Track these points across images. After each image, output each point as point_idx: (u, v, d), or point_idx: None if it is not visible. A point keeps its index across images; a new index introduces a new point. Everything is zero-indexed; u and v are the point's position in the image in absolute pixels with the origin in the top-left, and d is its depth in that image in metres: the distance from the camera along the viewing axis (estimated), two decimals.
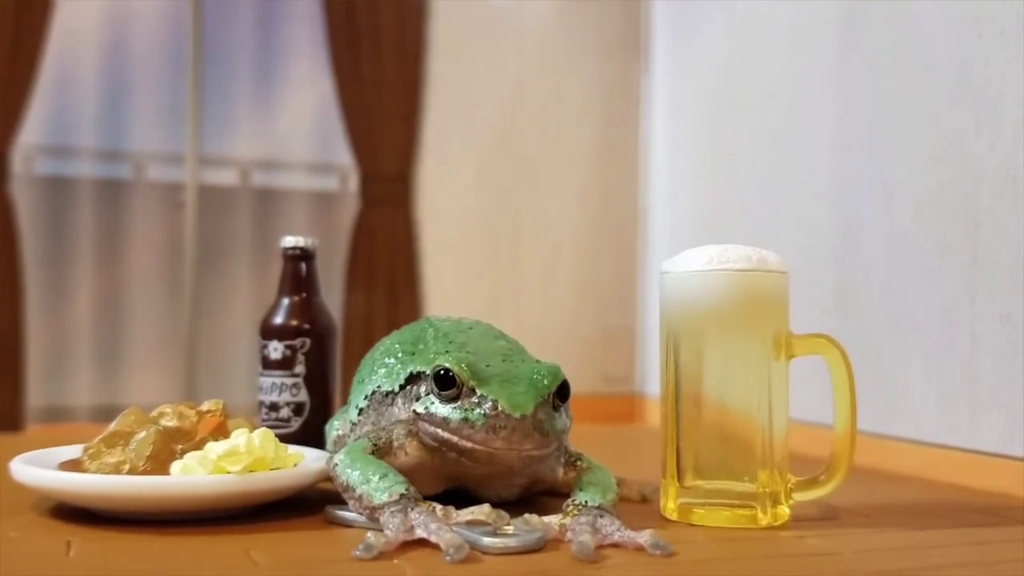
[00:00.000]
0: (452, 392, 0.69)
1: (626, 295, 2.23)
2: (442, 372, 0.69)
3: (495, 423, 0.66)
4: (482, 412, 0.67)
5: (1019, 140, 1.04)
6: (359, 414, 0.81)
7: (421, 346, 0.78)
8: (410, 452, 0.73)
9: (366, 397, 0.81)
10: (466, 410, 0.68)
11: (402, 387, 0.75)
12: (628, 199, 2.22)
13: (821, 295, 1.37)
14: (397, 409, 0.75)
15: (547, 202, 2.21)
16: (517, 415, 0.66)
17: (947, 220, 1.15)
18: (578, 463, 0.75)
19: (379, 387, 0.79)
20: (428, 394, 0.71)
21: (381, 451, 0.73)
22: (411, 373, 0.75)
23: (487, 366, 0.70)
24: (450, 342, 0.77)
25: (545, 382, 0.69)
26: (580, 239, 2.23)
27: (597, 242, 2.23)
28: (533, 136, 2.22)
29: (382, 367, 0.80)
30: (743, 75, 1.71)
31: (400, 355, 0.79)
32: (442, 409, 0.69)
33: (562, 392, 0.71)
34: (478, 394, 0.68)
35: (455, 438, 0.69)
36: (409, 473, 0.71)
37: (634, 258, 2.23)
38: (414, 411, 0.72)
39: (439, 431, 0.70)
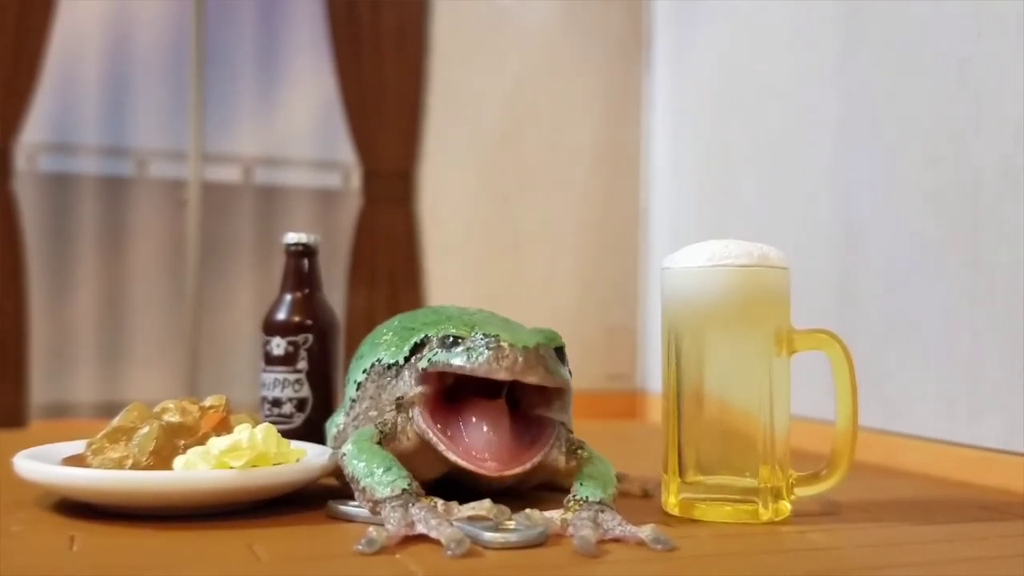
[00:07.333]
0: (456, 342, 0.70)
1: (628, 292, 2.23)
2: (449, 338, 0.70)
3: (498, 353, 0.66)
4: (485, 344, 0.67)
5: (1020, 140, 1.04)
6: (357, 389, 0.81)
7: (424, 327, 0.78)
8: (412, 437, 0.73)
9: (364, 371, 0.81)
10: (469, 349, 0.68)
11: (407, 359, 0.75)
12: (630, 198, 2.23)
13: (822, 294, 1.37)
14: (402, 383, 0.75)
15: (549, 200, 2.21)
16: (520, 346, 0.66)
17: (948, 220, 1.15)
18: (579, 452, 0.75)
19: (380, 359, 0.79)
20: (432, 351, 0.72)
21: (387, 437, 0.73)
22: (415, 343, 0.75)
23: (488, 327, 0.71)
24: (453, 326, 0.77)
25: (545, 335, 0.70)
26: (582, 237, 2.23)
27: (599, 240, 2.23)
28: (535, 135, 2.22)
29: (383, 343, 0.80)
30: (745, 74, 1.71)
31: (404, 333, 0.79)
32: (446, 355, 0.70)
33: (559, 354, 0.71)
34: (480, 334, 0.68)
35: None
36: (413, 455, 0.71)
37: (635, 256, 2.23)
38: (420, 368, 0.72)
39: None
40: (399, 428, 0.73)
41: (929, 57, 1.20)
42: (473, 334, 0.69)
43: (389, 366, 0.77)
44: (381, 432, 0.73)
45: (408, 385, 0.74)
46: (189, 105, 2.16)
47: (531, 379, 0.67)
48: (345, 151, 2.18)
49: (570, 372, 0.73)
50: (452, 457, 0.69)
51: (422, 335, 0.75)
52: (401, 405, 0.74)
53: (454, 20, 2.18)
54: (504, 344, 0.66)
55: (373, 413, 0.78)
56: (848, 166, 1.36)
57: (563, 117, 2.23)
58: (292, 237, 0.98)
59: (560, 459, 0.75)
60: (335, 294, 2.07)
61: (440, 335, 0.71)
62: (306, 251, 0.97)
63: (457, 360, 0.68)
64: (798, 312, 0.78)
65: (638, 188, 2.22)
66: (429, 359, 0.71)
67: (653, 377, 2.09)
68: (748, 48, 1.70)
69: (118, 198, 2.18)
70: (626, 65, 2.24)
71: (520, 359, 0.66)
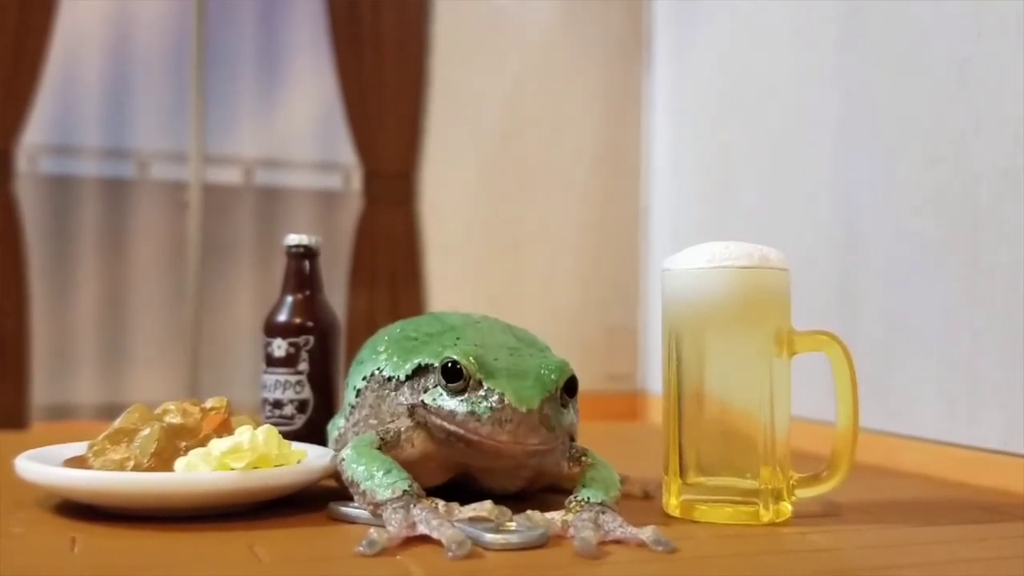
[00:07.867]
0: (459, 385, 0.69)
1: (628, 293, 2.23)
2: (449, 364, 0.69)
3: (501, 416, 0.66)
4: (488, 406, 0.67)
5: (1020, 140, 1.04)
6: (356, 396, 0.81)
7: (428, 337, 0.78)
8: (417, 444, 0.73)
9: (364, 378, 0.80)
10: (473, 403, 0.68)
11: (408, 377, 0.75)
12: (630, 198, 2.23)
13: (822, 294, 1.37)
14: (403, 397, 0.75)
15: (549, 201, 2.22)
16: (523, 409, 0.66)
17: (948, 220, 1.15)
18: (583, 459, 0.75)
19: (380, 369, 0.78)
20: (435, 386, 0.71)
21: (388, 444, 0.73)
22: (419, 365, 0.74)
23: (495, 359, 0.70)
24: (458, 337, 0.77)
25: (552, 377, 0.69)
26: (582, 237, 2.23)
27: (599, 241, 2.23)
28: (535, 135, 2.22)
29: (385, 351, 0.79)
30: (745, 74, 1.71)
31: (406, 344, 0.79)
32: (449, 402, 0.69)
33: (570, 388, 0.71)
34: (485, 387, 0.68)
35: (461, 431, 0.69)
36: (416, 463, 0.72)
37: (636, 256, 2.23)
38: (422, 401, 0.72)
39: (445, 424, 0.70)
40: (403, 437, 0.74)
41: (929, 57, 1.20)
42: (476, 382, 0.68)
43: (388, 378, 0.77)
44: (382, 439, 0.73)
45: (412, 400, 0.74)
46: (190, 106, 2.16)
47: (532, 442, 0.67)
48: (346, 152, 2.18)
49: (576, 411, 0.74)
50: (476, 438, 0.68)
51: (424, 359, 0.74)
52: (414, 412, 0.74)
53: (454, 20, 2.18)
54: (508, 404, 0.66)
55: (373, 421, 0.78)
56: (848, 166, 1.36)
57: (563, 117, 2.23)
58: (293, 239, 0.98)
59: (564, 465, 0.75)
60: (336, 295, 2.07)
61: (441, 364, 0.70)
62: (307, 252, 0.97)
63: (461, 414, 0.68)
64: (798, 313, 0.78)
65: (638, 188, 2.22)
66: (433, 399, 0.71)
67: (654, 378, 2.09)
68: (748, 48, 1.70)
69: (119, 200, 2.18)
70: (626, 65, 2.24)
71: (523, 425, 0.66)
